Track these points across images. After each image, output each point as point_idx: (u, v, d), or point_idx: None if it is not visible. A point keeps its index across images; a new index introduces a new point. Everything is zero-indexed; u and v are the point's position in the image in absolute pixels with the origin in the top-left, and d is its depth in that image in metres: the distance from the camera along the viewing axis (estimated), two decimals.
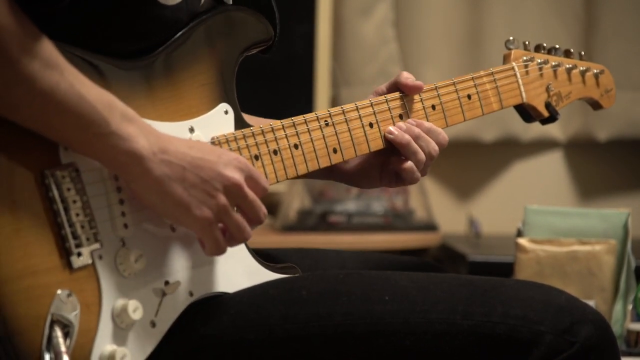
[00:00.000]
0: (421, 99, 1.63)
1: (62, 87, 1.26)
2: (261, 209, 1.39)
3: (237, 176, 1.36)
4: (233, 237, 1.38)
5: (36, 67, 1.24)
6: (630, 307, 2.15)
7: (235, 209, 1.38)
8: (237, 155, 1.39)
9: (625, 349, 2.13)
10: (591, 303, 1.81)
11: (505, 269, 2.25)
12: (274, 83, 3.22)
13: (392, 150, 1.59)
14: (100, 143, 1.30)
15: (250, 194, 1.38)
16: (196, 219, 1.35)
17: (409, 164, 1.58)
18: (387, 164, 1.61)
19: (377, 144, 1.59)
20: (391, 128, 1.57)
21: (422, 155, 1.58)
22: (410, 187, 3.44)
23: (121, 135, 1.30)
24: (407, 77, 1.60)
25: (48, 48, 1.26)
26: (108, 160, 1.32)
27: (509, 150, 3.64)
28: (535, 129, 3.58)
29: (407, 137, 1.56)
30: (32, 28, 1.25)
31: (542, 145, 3.65)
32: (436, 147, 1.59)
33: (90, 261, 1.31)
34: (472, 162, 3.67)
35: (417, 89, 1.60)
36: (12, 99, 1.25)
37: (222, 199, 1.35)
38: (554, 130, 3.60)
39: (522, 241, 2.17)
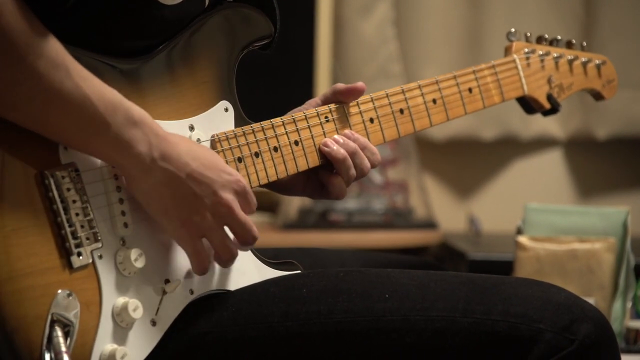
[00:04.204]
0: (422, 94, 1.63)
1: (66, 87, 1.27)
2: (250, 230, 1.39)
3: (231, 198, 1.37)
4: (217, 254, 1.39)
5: (42, 66, 1.25)
6: (629, 304, 2.15)
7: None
8: (238, 178, 1.38)
9: (625, 347, 2.14)
10: (591, 301, 1.81)
11: (505, 267, 2.25)
12: (274, 82, 3.22)
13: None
14: (99, 144, 1.30)
15: (241, 215, 1.38)
16: (176, 228, 1.36)
17: (339, 179, 1.54)
18: (312, 175, 1.58)
19: (378, 138, 1.59)
20: (327, 141, 1.53)
21: (354, 172, 1.53)
22: (411, 185, 3.44)
23: (120, 140, 1.30)
24: (342, 85, 1.56)
25: (54, 47, 1.27)
26: (105, 161, 1.33)
27: (508, 149, 3.64)
28: (535, 128, 3.58)
29: (342, 152, 1.52)
30: (39, 27, 1.26)
31: (542, 144, 3.66)
32: (369, 166, 1.55)
33: (90, 261, 1.31)
34: (472, 161, 3.67)
35: (358, 92, 1.56)
36: (15, 97, 1.25)
37: (208, 217, 1.36)
38: (553, 128, 3.60)
39: (522, 239, 2.17)
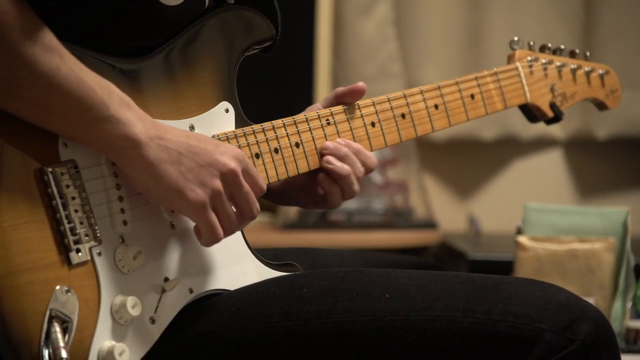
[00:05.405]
0: (424, 99, 1.63)
1: (62, 71, 1.27)
2: (255, 204, 1.40)
3: (234, 164, 1.37)
4: (223, 227, 1.39)
5: (37, 51, 1.26)
6: (629, 304, 2.15)
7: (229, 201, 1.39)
8: (236, 148, 1.39)
9: (624, 347, 2.13)
10: (591, 300, 1.81)
11: (505, 267, 2.25)
12: (274, 83, 3.22)
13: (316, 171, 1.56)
14: (99, 127, 1.31)
15: (246, 185, 1.38)
16: (190, 202, 1.35)
17: (338, 188, 1.55)
18: (305, 185, 1.59)
19: (380, 142, 1.59)
20: (330, 158, 1.53)
21: (357, 187, 1.55)
22: (411, 185, 3.44)
23: (119, 119, 1.31)
24: (342, 88, 1.57)
25: (48, 34, 1.28)
26: (105, 145, 1.33)
27: (508, 149, 3.64)
28: (535, 128, 3.57)
29: (347, 168, 1.53)
30: (33, 16, 1.27)
31: (542, 144, 3.66)
32: (362, 170, 1.55)
33: (88, 257, 1.32)
34: (472, 161, 3.67)
35: (359, 93, 1.57)
36: (14, 82, 1.26)
37: (218, 184, 1.36)
38: (553, 128, 3.60)
39: (522, 239, 2.17)
